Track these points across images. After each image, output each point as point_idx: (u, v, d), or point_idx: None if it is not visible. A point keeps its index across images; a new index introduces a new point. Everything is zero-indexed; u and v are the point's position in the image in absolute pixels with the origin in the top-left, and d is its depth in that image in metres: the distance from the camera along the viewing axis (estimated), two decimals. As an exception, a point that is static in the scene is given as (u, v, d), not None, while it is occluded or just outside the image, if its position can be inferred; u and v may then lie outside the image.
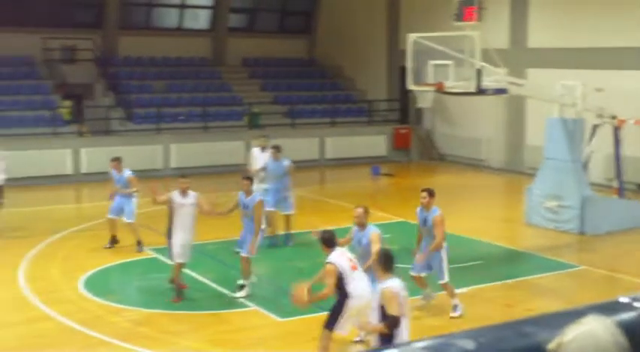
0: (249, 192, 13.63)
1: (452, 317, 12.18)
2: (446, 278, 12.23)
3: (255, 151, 18.04)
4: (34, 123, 26.34)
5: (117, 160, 16.76)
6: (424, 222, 12.25)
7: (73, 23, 31.53)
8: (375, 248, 10.39)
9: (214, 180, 23.57)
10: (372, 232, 11.18)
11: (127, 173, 16.64)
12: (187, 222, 13.04)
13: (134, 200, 16.58)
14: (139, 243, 16.32)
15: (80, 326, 11.59)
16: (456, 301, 12.30)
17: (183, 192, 13.01)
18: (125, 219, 16.57)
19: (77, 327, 11.49)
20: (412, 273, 12.45)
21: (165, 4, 33.98)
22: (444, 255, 12.22)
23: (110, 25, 31.76)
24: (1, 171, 18.49)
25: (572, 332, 3.08)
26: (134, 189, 16.49)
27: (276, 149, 17.20)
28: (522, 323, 3.11)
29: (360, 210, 11.30)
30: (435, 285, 12.54)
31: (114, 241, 16.66)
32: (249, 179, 14.06)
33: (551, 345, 3.06)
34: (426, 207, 12.17)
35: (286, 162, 17.09)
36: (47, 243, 16.97)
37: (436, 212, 12.13)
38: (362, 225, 11.29)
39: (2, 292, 14.09)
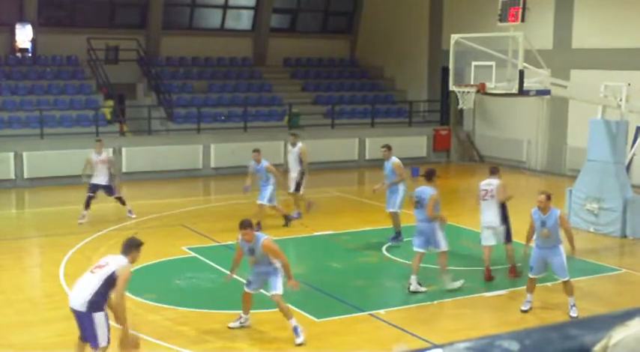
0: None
1: (572, 317, 12.30)
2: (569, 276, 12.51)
3: (289, 147, 19.79)
4: (77, 123, 26.65)
5: (257, 151, 18.16)
6: (542, 224, 12.45)
7: (117, 24, 31.85)
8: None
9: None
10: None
11: (265, 163, 17.97)
12: None
13: (271, 186, 17.86)
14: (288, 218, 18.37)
15: (118, 324, 11.64)
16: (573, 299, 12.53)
17: None
18: (259, 201, 17.81)
19: (115, 325, 11.53)
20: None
21: (208, 5, 34.14)
22: (562, 252, 12.52)
23: (153, 26, 31.99)
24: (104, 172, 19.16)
25: (618, 335, 3.02)
26: (275, 178, 18.02)
27: (387, 148, 17.35)
28: (567, 326, 3.06)
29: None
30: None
31: (288, 219, 18.50)
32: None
33: (596, 348, 3.00)
34: (544, 210, 12.44)
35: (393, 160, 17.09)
36: (88, 240, 17.11)
37: (558, 211, 12.58)
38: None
39: (44, 289, 14.25)
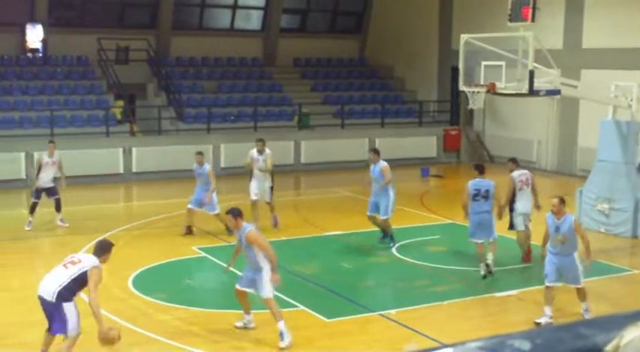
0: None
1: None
2: (582, 283, 12.13)
3: (254, 153, 18.32)
4: (88, 123, 26.73)
5: (200, 154, 17.85)
6: (555, 229, 12.06)
7: (128, 24, 31.92)
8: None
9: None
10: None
11: (208, 167, 17.69)
12: None
13: (214, 192, 17.49)
14: (228, 229, 16.84)
15: (128, 323, 11.67)
16: (585, 304, 12.22)
17: None
18: (210, 212, 17.49)
19: (125, 324, 11.58)
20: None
21: (218, 5, 34.17)
22: (576, 259, 12.08)
23: (163, 26, 32.03)
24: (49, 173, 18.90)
25: (630, 335, 3.01)
26: (213, 184, 17.50)
27: (374, 152, 16.99)
28: (578, 325, 3.05)
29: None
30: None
31: (189, 231, 17.56)
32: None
33: (608, 347, 2.99)
34: (558, 214, 12.05)
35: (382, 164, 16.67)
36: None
37: (572, 216, 12.17)
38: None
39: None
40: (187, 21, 33.43)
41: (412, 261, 15.77)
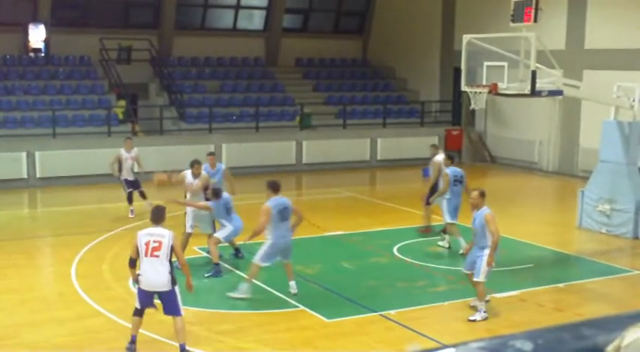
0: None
1: (469, 320, 12.05)
2: (480, 278, 12.19)
3: (187, 175, 15.72)
4: (89, 123, 26.73)
5: (213, 154, 17.89)
6: (473, 221, 12.33)
7: (130, 24, 31.94)
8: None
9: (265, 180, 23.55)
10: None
11: (222, 166, 17.70)
12: None
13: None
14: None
15: (130, 324, 11.65)
16: (479, 304, 12.22)
17: None
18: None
19: (127, 324, 11.56)
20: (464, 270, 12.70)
21: (221, 5, 34.19)
22: (484, 254, 12.14)
23: (166, 26, 32.06)
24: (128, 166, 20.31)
25: (631, 336, 3.01)
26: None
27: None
28: (580, 326, 3.04)
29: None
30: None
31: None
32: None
33: (609, 348, 2.99)
34: (476, 206, 12.31)
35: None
36: (100, 240, 17.15)
37: (486, 211, 12.20)
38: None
39: (56, 288, 14.28)
40: (190, 21, 33.45)
41: (413, 261, 15.76)
